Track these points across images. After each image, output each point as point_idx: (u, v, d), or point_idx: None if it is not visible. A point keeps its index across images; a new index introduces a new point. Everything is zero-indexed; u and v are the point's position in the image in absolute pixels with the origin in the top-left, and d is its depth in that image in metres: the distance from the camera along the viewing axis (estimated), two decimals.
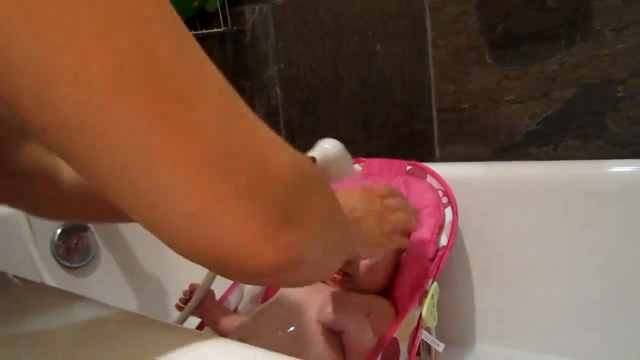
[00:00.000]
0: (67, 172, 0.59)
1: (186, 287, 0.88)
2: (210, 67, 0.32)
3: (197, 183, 0.28)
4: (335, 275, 0.80)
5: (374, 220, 0.67)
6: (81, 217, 0.75)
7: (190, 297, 0.83)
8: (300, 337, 0.72)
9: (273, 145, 0.34)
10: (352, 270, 0.79)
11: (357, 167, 1.02)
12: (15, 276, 0.49)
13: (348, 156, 0.78)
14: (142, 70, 0.27)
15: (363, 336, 0.71)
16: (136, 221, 0.31)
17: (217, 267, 0.32)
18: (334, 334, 0.73)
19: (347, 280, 0.80)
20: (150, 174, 0.28)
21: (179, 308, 0.85)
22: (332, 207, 0.42)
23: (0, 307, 0.44)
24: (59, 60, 0.25)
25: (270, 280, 0.35)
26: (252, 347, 0.34)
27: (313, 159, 0.74)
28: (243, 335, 0.75)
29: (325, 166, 0.76)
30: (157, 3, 0.29)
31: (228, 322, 0.83)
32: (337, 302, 0.75)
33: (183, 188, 0.28)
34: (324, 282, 0.82)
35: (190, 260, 0.31)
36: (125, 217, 0.48)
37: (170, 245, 0.31)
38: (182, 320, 0.83)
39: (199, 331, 0.38)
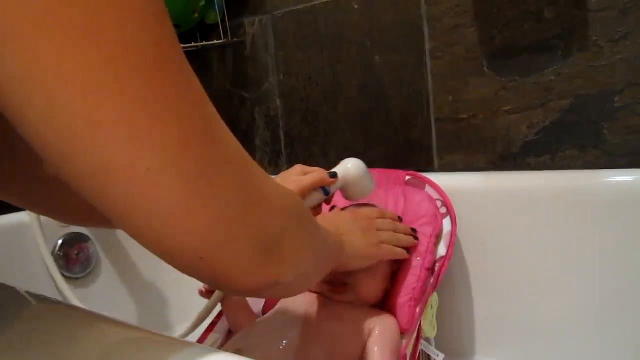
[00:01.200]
0: None
1: (187, 298, 0.88)
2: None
3: (195, 215, 0.32)
4: (333, 286, 0.80)
5: (359, 233, 0.74)
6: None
7: None
8: (296, 350, 0.73)
9: (266, 188, 0.38)
10: (350, 281, 0.79)
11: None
12: (27, 292, 0.50)
13: (370, 177, 0.80)
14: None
15: None
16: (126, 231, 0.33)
17: (205, 281, 0.37)
18: (331, 350, 0.74)
19: (345, 291, 0.80)
20: (156, 209, 0.31)
21: (202, 294, 0.85)
22: (312, 239, 0.47)
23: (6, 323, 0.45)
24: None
25: (250, 295, 0.41)
26: None
27: (334, 175, 0.76)
28: (239, 347, 0.75)
29: (346, 184, 0.77)
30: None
31: (246, 319, 0.84)
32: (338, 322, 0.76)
33: (182, 213, 0.32)
34: (323, 295, 0.82)
35: (184, 273, 0.36)
36: None
37: (161, 257, 0.34)
38: (210, 309, 0.82)
39: (203, 346, 0.38)
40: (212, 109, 0.34)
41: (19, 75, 0.27)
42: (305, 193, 0.75)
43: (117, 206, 0.31)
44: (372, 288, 0.82)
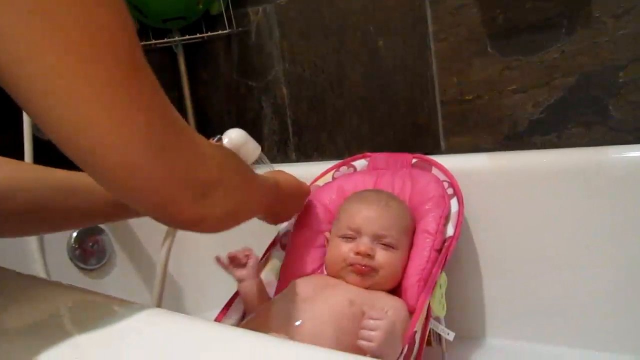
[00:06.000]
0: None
1: (202, 287, 0.89)
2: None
3: (148, 163, 0.40)
4: (361, 267, 0.81)
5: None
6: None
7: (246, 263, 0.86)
8: (309, 331, 0.74)
9: (201, 144, 0.47)
10: (375, 266, 0.81)
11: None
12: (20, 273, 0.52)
13: (253, 143, 0.88)
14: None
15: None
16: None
17: (147, 214, 0.46)
18: (343, 332, 0.74)
19: (367, 274, 0.81)
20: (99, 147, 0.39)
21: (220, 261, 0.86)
22: (246, 188, 0.57)
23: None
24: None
25: (182, 228, 0.50)
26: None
27: (219, 139, 0.86)
28: (252, 329, 0.76)
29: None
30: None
31: (260, 303, 0.85)
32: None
33: (140, 161, 0.40)
34: (338, 278, 0.83)
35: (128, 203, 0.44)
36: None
37: (108, 188, 0.43)
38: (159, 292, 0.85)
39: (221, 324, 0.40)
40: (154, 83, 0.41)
41: (25, 68, 0.35)
42: None
43: (85, 158, 0.39)
44: (394, 275, 0.83)
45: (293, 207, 0.92)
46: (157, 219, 0.46)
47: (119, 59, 0.38)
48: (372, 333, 0.70)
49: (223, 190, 0.49)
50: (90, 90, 0.37)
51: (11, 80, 0.36)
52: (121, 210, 0.76)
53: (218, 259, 0.85)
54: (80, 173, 0.70)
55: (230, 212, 0.52)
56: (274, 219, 0.89)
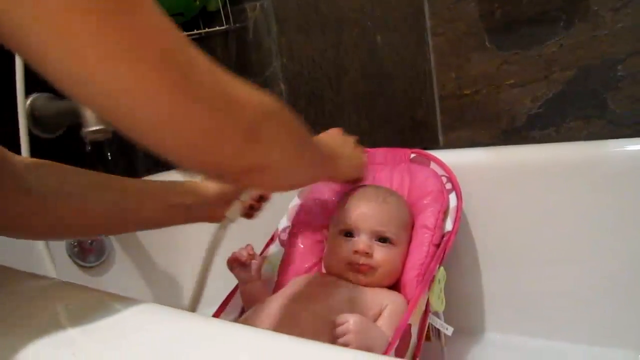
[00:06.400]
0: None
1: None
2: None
3: (185, 114, 0.40)
4: (360, 266, 0.81)
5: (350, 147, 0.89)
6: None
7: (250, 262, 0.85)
8: (307, 329, 0.73)
9: (237, 89, 0.45)
10: (374, 263, 0.80)
11: None
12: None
13: None
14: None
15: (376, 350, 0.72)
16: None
17: (201, 171, 0.47)
18: None
19: (366, 272, 0.81)
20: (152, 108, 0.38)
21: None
22: (291, 131, 0.54)
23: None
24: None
25: (239, 180, 0.51)
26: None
27: None
28: (251, 324, 0.76)
29: None
30: None
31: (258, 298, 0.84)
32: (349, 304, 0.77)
33: (175, 116, 0.39)
34: (338, 276, 0.83)
35: (179, 163, 0.44)
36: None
37: (164, 155, 0.42)
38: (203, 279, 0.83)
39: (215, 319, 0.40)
40: (182, 37, 0.40)
41: (46, 32, 0.34)
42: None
43: (120, 119, 0.38)
44: (393, 271, 0.83)
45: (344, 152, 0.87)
46: (220, 175, 0.47)
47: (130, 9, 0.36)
48: (345, 338, 0.70)
49: (272, 129, 0.48)
50: (107, 49, 0.35)
51: (22, 46, 0.34)
52: (174, 215, 0.77)
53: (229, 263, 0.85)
54: (131, 179, 0.72)
55: (287, 157, 0.52)
56: (341, 171, 0.86)
